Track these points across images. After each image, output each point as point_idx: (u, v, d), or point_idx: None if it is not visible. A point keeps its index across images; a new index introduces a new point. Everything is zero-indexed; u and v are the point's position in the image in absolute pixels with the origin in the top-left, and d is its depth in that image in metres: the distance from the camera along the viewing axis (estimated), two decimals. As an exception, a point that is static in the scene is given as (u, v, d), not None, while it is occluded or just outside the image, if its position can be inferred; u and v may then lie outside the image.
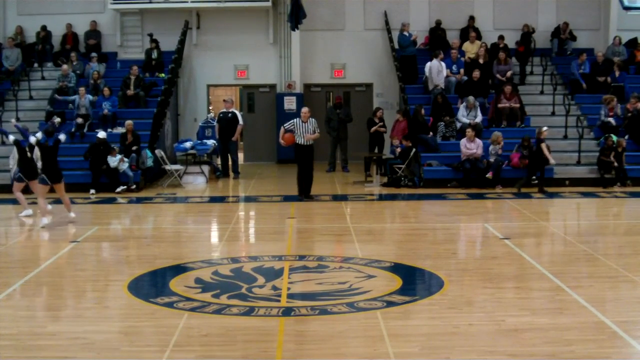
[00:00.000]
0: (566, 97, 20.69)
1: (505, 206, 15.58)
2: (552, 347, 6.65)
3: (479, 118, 19.24)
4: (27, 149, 13.93)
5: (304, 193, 16.08)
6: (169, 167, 19.02)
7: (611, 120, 19.18)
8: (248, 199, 16.95)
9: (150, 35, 22.44)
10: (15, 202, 14.83)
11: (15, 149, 15.16)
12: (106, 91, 19.86)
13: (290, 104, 23.10)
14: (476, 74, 20.02)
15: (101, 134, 17.73)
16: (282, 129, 16.05)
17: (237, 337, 7.12)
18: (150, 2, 22.75)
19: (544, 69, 21.73)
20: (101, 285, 9.28)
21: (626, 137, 18.69)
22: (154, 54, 22.12)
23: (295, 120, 15.99)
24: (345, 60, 23.77)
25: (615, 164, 17.89)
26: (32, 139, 13.56)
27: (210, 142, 19.94)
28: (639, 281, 9.04)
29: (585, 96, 20.80)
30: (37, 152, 14.03)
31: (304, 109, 16.19)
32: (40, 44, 22.57)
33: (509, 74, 20.58)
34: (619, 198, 16.57)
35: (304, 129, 15.75)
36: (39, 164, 13.65)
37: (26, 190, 14.78)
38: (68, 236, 12.26)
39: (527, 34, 22.36)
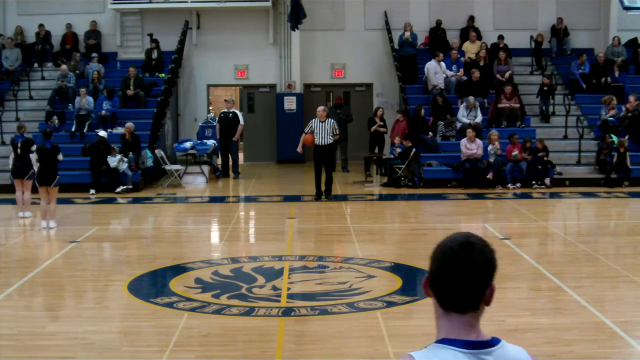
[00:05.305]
0: (566, 97, 20.67)
1: (505, 206, 15.58)
2: (552, 347, 6.65)
3: (479, 118, 19.22)
4: (18, 145, 13.79)
5: (324, 194, 15.85)
6: (169, 167, 19.01)
7: (611, 119, 19.14)
8: (248, 199, 16.94)
9: (150, 35, 22.42)
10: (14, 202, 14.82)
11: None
12: (106, 93, 19.82)
13: (290, 104, 23.09)
14: (476, 74, 19.97)
15: (102, 133, 17.73)
16: (302, 136, 15.91)
17: (237, 337, 7.12)
18: (150, 2, 22.72)
19: (543, 69, 21.70)
20: (101, 285, 9.28)
21: (626, 137, 18.67)
22: (154, 54, 22.10)
23: (312, 121, 15.78)
24: (345, 60, 23.74)
25: (613, 162, 17.86)
26: (33, 147, 13.50)
27: (210, 142, 19.92)
28: (639, 281, 9.04)
29: (585, 96, 20.76)
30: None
31: (320, 108, 15.93)
32: (40, 44, 22.55)
33: (507, 74, 20.56)
34: (619, 198, 16.56)
35: (322, 129, 15.50)
36: (36, 166, 13.55)
37: (33, 191, 14.62)
38: (68, 236, 12.26)
39: (538, 45, 22.15)
